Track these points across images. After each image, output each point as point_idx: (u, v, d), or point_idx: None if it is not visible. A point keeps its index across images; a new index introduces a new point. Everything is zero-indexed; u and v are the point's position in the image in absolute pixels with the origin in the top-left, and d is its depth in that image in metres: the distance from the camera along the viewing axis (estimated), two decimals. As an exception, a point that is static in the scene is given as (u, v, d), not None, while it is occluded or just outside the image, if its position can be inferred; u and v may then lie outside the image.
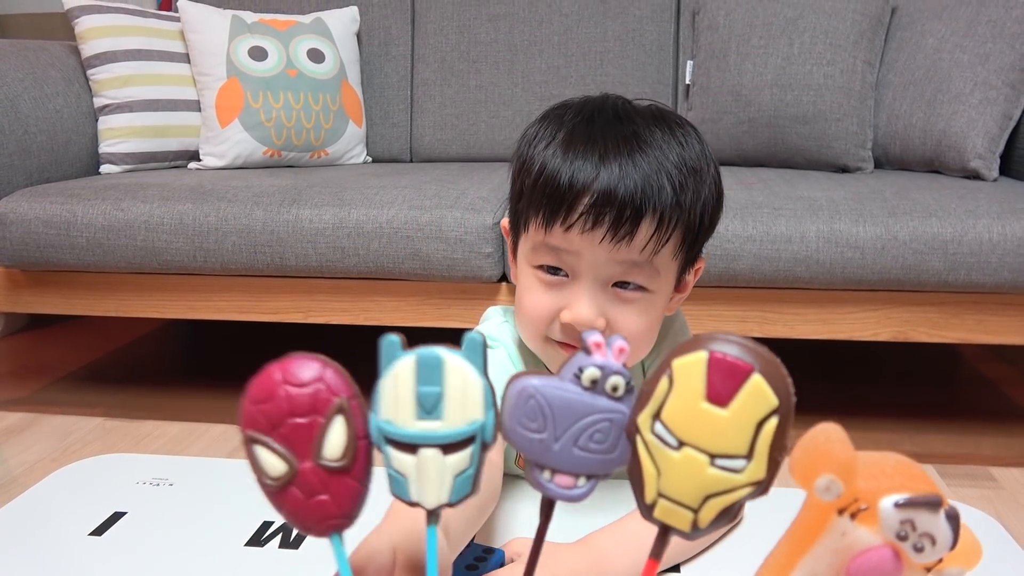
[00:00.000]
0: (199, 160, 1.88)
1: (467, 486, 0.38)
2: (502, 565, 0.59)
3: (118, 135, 1.82)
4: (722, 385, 0.34)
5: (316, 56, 1.92)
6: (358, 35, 2.07)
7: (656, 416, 0.35)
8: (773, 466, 0.34)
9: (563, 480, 0.37)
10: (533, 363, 0.71)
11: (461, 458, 0.38)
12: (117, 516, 0.68)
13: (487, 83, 2.03)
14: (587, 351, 0.36)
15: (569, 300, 0.61)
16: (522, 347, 0.71)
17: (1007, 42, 1.58)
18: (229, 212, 1.49)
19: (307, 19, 1.97)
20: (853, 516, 0.35)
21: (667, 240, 0.60)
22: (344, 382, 0.38)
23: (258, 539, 0.65)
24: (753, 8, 1.80)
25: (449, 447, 0.38)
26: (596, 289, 0.61)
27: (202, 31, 1.87)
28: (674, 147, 0.61)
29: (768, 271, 1.37)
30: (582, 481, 0.37)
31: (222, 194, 1.53)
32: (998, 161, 1.58)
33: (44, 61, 1.78)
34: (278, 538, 0.65)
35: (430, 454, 0.38)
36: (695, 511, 0.35)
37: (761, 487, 0.35)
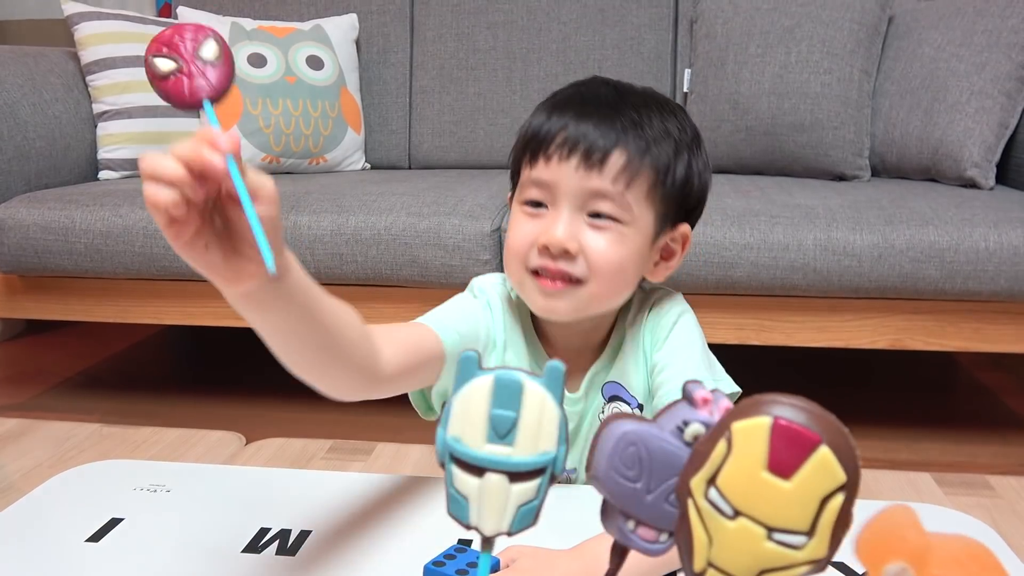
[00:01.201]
0: (198, 166, 1.88)
1: (529, 518, 0.38)
2: (496, 571, 0.59)
3: (117, 141, 1.82)
4: (786, 455, 0.32)
5: (315, 63, 1.92)
6: (357, 42, 2.07)
7: (711, 481, 0.34)
8: (835, 544, 0.33)
9: (646, 533, 0.37)
10: (512, 319, 0.76)
11: (528, 488, 0.37)
12: (114, 522, 0.68)
13: (486, 90, 2.04)
14: (693, 404, 0.35)
15: (547, 226, 0.67)
16: (506, 304, 0.76)
17: (1003, 52, 1.58)
18: (227, 218, 1.49)
19: (306, 26, 1.98)
20: None
21: (636, 175, 0.66)
22: (211, 29, 0.51)
23: (255, 545, 0.65)
24: (751, 17, 1.81)
25: (517, 475, 0.37)
26: (571, 215, 0.66)
27: (201, 38, 1.88)
28: (655, 111, 0.69)
29: (765, 279, 1.37)
30: (664, 537, 0.36)
31: (220, 200, 1.53)
32: (994, 170, 1.58)
33: (43, 67, 1.79)
34: (275, 544, 0.65)
35: (496, 480, 0.37)
36: None
37: (820, 564, 0.33)
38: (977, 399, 1.81)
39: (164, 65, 0.50)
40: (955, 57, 1.64)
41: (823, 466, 0.32)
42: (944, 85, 1.64)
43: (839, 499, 0.32)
